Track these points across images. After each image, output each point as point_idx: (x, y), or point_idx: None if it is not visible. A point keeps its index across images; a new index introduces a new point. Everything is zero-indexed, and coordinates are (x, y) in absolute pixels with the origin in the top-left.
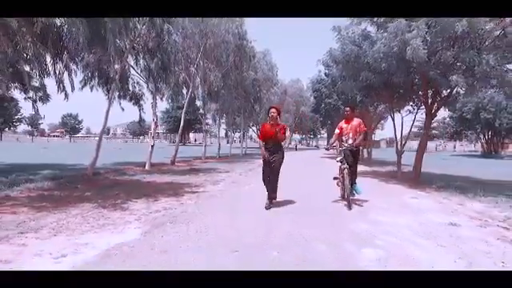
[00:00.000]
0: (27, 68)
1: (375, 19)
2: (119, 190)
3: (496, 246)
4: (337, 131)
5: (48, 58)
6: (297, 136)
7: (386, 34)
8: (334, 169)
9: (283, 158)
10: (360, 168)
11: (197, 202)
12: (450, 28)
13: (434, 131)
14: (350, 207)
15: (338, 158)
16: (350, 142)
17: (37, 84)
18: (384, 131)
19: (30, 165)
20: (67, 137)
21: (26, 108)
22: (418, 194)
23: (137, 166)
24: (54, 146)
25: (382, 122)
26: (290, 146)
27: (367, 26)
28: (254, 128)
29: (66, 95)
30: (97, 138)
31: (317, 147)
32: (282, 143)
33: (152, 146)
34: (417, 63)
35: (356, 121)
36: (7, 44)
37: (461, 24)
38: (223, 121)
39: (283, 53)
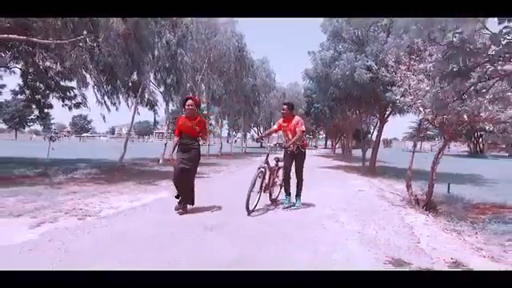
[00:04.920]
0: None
1: (338, 48)
2: (147, 175)
3: (372, 199)
4: (274, 127)
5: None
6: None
7: (342, 60)
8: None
9: (199, 157)
10: (337, 163)
11: (202, 182)
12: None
13: (429, 132)
14: (271, 200)
15: (273, 156)
16: (289, 144)
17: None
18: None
19: (65, 160)
20: (73, 136)
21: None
22: (361, 178)
23: (151, 161)
24: (69, 145)
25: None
26: None
27: (334, 53)
28: (255, 129)
29: (116, 106)
30: (102, 138)
31: (315, 147)
32: (201, 141)
33: (165, 145)
34: (363, 84)
35: (295, 120)
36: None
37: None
38: (226, 122)
39: (291, 53)
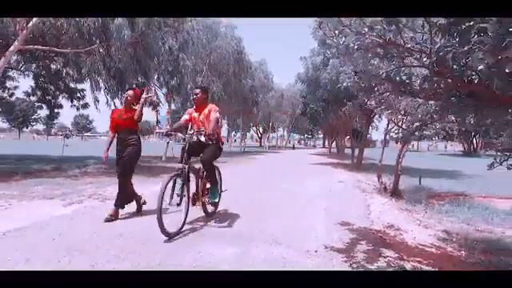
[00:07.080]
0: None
1: (326, 54)
2: (152, 170)
3: (348, 188)
4: (185, 117)
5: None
6: (295, 135)
7: (329, 66)
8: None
9: (139, 153)
10: (329, 160)
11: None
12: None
13: (426, 132)
14: (206, 213)
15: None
16: (203, 138)
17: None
18: (379, 132)
19: (74, 157)
20: (74, 136)
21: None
22: (346, 173)
23: (154, 158)
24: (73, 144)
25: (377, 123)
26: (287, 145)
27: (323, 58)
28: (254, 128)
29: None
30: (103, 137)
31: (314, 146)
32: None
33: (168, 143)
34: (346, 87)
35: (208, 108)
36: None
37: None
38: (225, 121)
39: (290, 54)
